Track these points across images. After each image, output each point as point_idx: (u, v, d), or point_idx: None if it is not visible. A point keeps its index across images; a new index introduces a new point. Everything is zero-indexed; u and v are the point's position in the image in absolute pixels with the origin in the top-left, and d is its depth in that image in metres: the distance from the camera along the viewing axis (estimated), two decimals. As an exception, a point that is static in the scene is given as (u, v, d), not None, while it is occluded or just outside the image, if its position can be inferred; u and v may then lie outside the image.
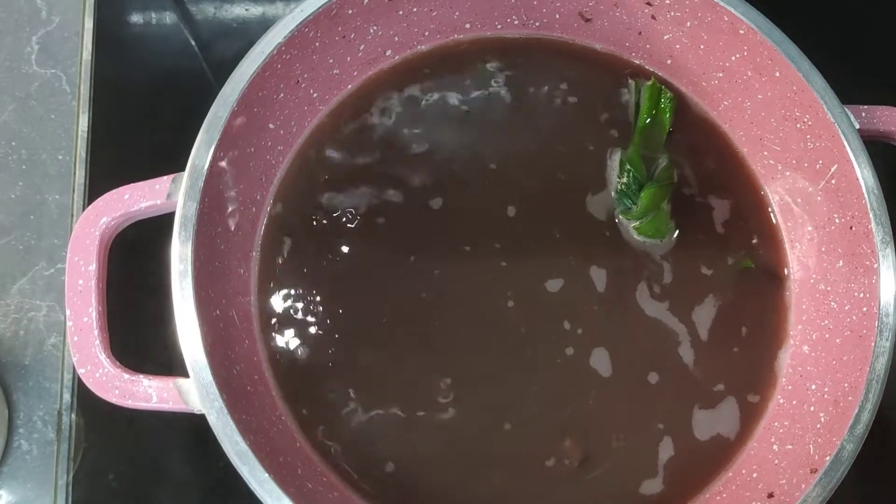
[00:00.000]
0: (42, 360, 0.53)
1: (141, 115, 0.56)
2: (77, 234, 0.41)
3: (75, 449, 0.51)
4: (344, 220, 0.48)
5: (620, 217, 0.49)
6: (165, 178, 0.43)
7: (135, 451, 0.51)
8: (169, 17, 0.58)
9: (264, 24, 0.44)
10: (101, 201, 0.42)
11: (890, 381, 0.41)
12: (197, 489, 0.52)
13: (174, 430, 0.51)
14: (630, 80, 0.51)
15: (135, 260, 0.47)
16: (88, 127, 0.55)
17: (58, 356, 0.52)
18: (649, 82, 0.50)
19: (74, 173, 0.55)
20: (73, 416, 0.51)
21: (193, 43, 0.58)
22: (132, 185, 0.42)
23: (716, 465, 0.46)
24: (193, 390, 0.40)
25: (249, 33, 0.57)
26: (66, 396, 0.51)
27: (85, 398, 0.51)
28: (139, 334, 0.46)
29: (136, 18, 0.58)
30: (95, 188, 0.54)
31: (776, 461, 0.44)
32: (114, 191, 0.42)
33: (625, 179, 0.48)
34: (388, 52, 0.51)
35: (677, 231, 0.49)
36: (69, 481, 0.50)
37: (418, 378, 0.46)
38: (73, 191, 0.55)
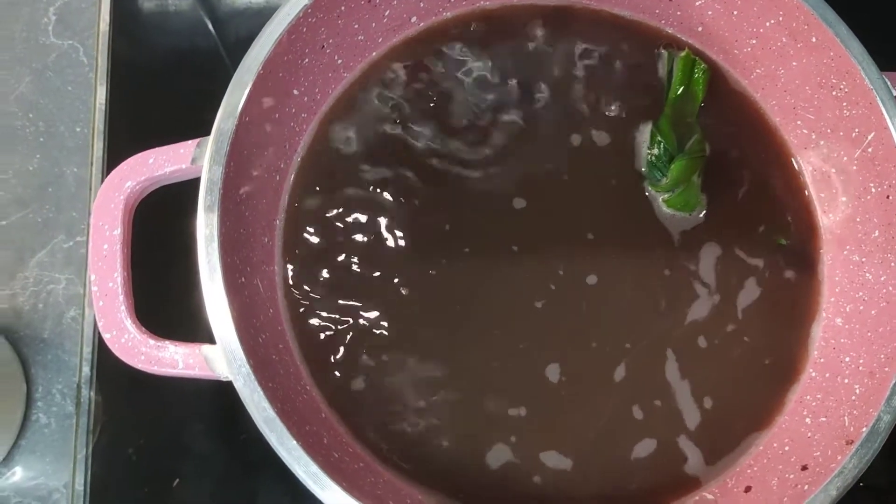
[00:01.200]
0: (61, 333, 0.52)
1: (157, 89, 0.55)
2: (101, 198, 0.41)
3: (94, 423, 0.50)
4: (370, 189, 0.48)
5: (650, 189, 0.48)
6: (190, 142, 0.42)
7: (155, 424, 0.51)
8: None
9: (278, 3, 0.43)
10: (125, 165, 0.41)
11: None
12: (217, 463, 0.52)
13: (195, 404, 0.51)
14: (663, 51, 0.50)
15: (160, 225, 0.46)
16: (106, 99, 0.55)
17: (77, 329, 0.52)
18: (683, 53, 0.49)
19: (92, 146, 0.55)
20: (93, 390, 0.51)
21: (208, 21, 0.57)
22: (156, 149, 0.42)
23: (745, 439, 0.46)
24: (220, 357, 0.39)
25: (264, 11, 0.56)
26: (86, 370, 0.51)
27: (105, 371, 0.51)
28: (165, 300, 0.46)
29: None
30: (113, 161, 0.53)
31: (809, 434, 0.44)
32: (138, 155, 0.42)
33: (655, 151, 0.47)
34: (413, 19, 0.50)
35: (708, 204, 0.48)
36: (88, 455, 0.50)
37: (448, 353, 0.46)
38: (91, 164, 0.54)
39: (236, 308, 0.40)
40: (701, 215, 0.48)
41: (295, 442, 0.38)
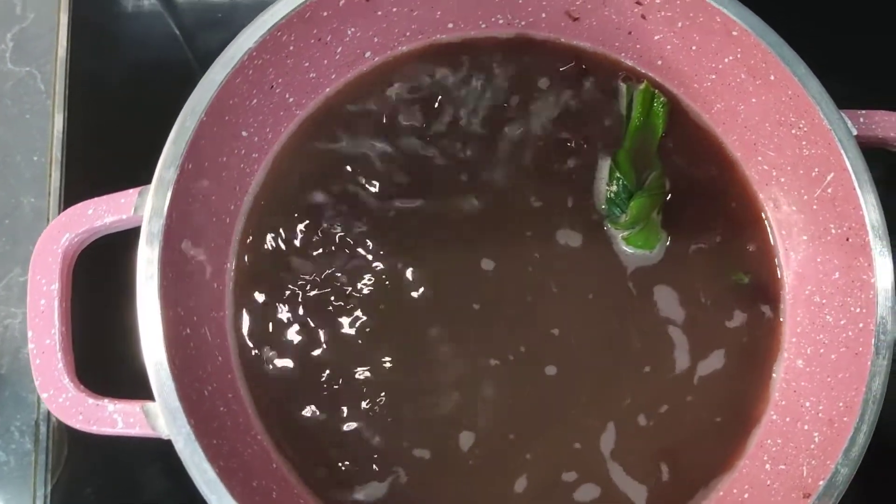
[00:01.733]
0: (19, 369, 0.51)
1: (121, 112, 0.54)
2: (38, 251, 0.40)
3: (54, 461, 0.49)
4: (325, 227, 0.47)
5: (609, 226, 0.47)
6: (132, 191, 0.41)
7: (114, 463, 0.50)
8: (150, 5, 0.56)
9: (255, 10, 0.42)
10: (63, 216, 0.40)
11: (888, 400, 0.40)
12: (175, 503, 0.51)
13: (155, 443, 0.50)
14: (622, 84, 0.49)
15: (103, 272, 0.45)
16: (64, 127, 0.54)
17: (34, 365, 0.51)
18: (642, 86, 0.48)
19: (50, 175, 0.54)
20: (52, 426, 0.50)
21: (178, 32, 0.56)
22: (96, 199, 0.41)
23: (705, 483, 0.45)
24: (161, 414, 0.38)
25: (238, 20, 0.54)
26: (44, 407, 0.50)
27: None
28: (108, 353, 0.45)
29: (115, 8, 0.56)
30: (72, 191, 0.53)
31: (768, 482, 0.43)
32: (77, 205, 0.41)
33: (614, 188, 0.46)
34: (368, 54, 0.49)
35: (669, 241, 0.47)
36: (47, 493, 0.49)
37: (411, 396, 0.45)
38: (49, 194, 0.53)
39: (178, 363, 0.39)
40: (662, 251, 0.47)
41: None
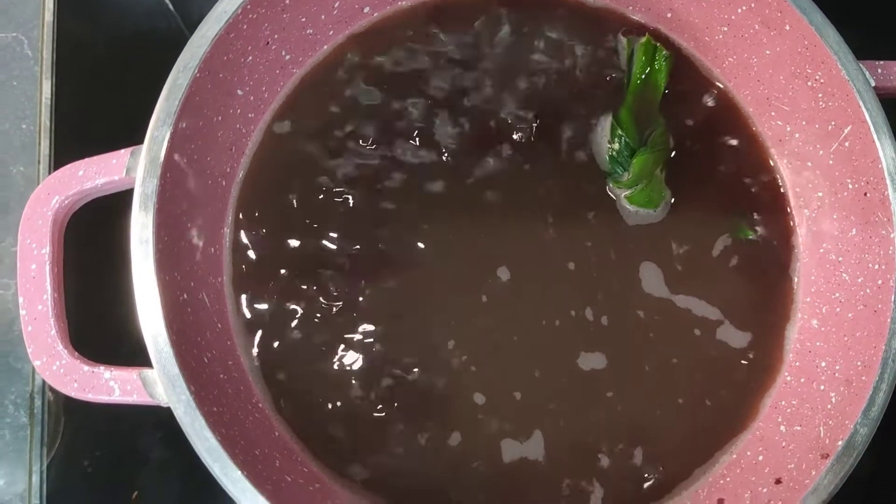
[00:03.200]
0: (12, 340, 0.50)
1: (110, 78, 0.52)
2: (28, 214, 0.38)
3: (51, 434, 0.48)
4: (323, 191, 0.45)
5: (611, 185, 0.45)
6: (123, 151, 0.39)
7: (111, 435, 0.49)
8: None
9: None
10: (52, 178, 0.39)
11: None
12: (178, 473, 0.50)
13: (152, 413, 0.49)
14: (622, 38, 0.47)
15: (97, 238, 0.43)
16: (52, 93, 0.52)
17: (28, 336, 0.49)
18: (643, 39, 0.46)
19: (39, 143, 0.52)
20: (46, 399, 0.48)
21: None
22: (87, 159, 0.39)
23: (718, 445, 0.44)
24: (159, 381, 0.37)
25: None
26: (39, 378, 0.49)
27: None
28: (104, 320, 0.43)
29: (104, -27, 0.54)
30: (62, 158, 0.51)
31: (784, 443, 0.42)
32: (67, 166, 0.39)
33: (616, 145, 0.45)
34: (367, 9, 0.47)
35: (673, 199, 0.46)
36: (44, 466, 0.48)
37: (411, 358, 0.44)
38: (39, 162, 0.51)
39: (177, 328, 0.38)
40: (667, 210, 0.46)
41: (240, 472, 0.36)
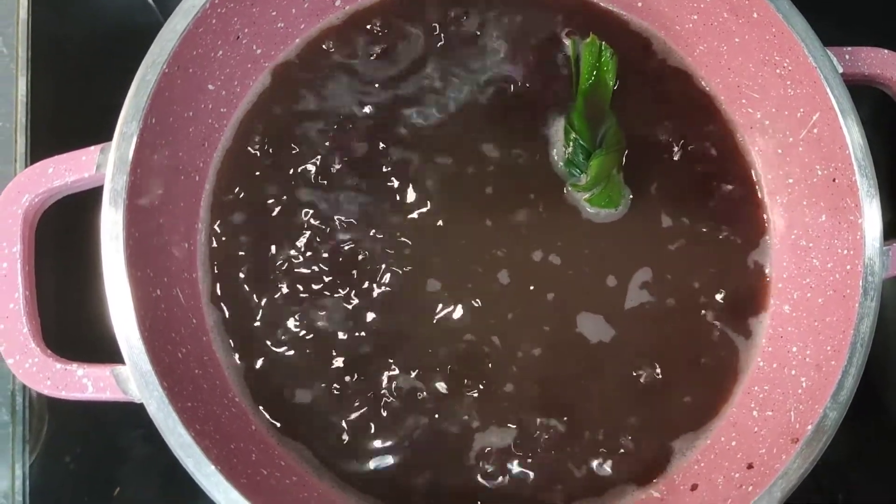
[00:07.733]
0: (-9, 339, 0.50)
1: (87, 74, 0.52)
2: (-3, 213, 0.38)
3: (34, 431, 0.48)
4: (294, 184, 0.45)
5: (570, 188, 0.45)
6: (93, 148, 0.39)
7: (94, 432, 0.49)
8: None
9: None
10: (22, 176, 0.39)
11: (875, 343, 0.39)
12: (158, 469, 0.50)
13: (133, 410, 0.49)
14: (566, 40, 0.47)
15: (72, 234, 0.43)
16: (27, 91, 0.51)
17: (7, 335, 0.49)
18: (588, 39, 0.46)
19: (16, 141, 0.52)
20: (29, 396, 0.48)
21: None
22: (56, 157, 0.39)
23: (691, 430, 0.44)
24: (132, 378, 0.37)
25: None
26: (19, 377, 0.49)
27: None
28: (77, 317, 0.43)
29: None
30: (38, 156, 0.50)
31: (756, 429, 0.42)
32: (36, 164, 0.39)
33: (570, 148, 0.45)
34: (338, 2, 0.47)
35: (633, 196, 0.46)
36: (27, 464, 0.48)
37: (381, 354, 0.44)
38: (15, 161, 0.51)
39: (149, 325, 0.38)
40: (627, 207, 0.46)
41: (213, 467, 0.36)
